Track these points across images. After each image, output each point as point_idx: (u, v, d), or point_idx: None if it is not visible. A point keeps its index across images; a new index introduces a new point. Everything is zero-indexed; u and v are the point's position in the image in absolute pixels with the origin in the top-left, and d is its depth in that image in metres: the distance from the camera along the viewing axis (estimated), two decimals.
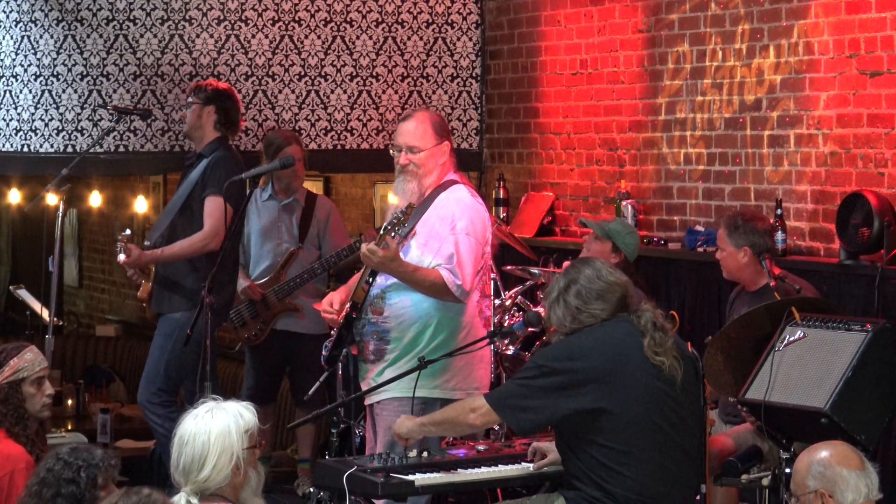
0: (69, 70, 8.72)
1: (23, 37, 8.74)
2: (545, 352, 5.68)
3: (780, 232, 7.55)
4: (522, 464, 5.81)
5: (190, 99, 8.06)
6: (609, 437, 5.33)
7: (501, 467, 5.79)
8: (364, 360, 6.61)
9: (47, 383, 5.96)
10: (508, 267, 8.25)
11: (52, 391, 6.01)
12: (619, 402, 5.33)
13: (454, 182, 6.62)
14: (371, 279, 6.55)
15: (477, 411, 5.57)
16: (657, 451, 5.37)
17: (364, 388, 6.59)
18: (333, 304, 6.66)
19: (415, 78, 9.46)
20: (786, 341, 5.95)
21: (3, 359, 5.88)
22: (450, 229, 6.46)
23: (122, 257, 7.79)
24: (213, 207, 7.67)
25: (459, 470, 5.74)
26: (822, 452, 4.82)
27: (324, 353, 6.77)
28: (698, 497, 5.64)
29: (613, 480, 5.32)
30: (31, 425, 5.86)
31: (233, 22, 9.00)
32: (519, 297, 7.96)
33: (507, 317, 7.81)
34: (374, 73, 9.35)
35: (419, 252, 6.49)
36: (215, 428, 4.75)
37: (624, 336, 5.44)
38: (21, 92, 8.77)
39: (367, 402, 6.63)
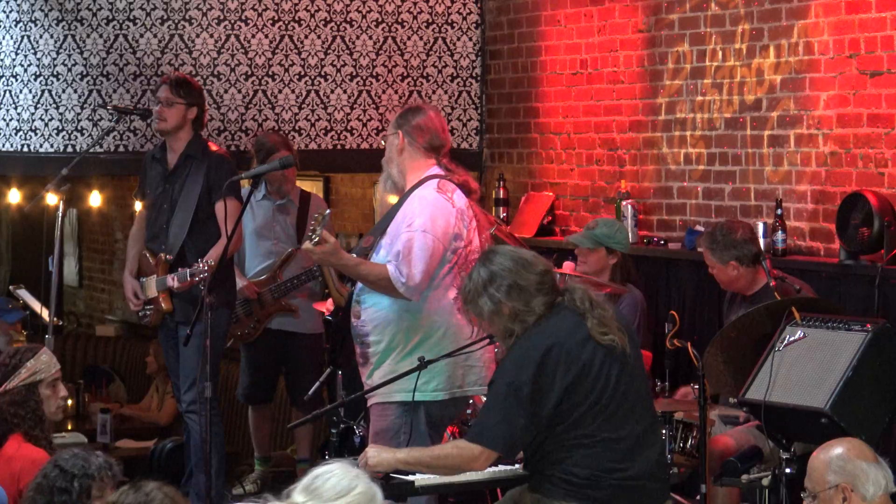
0: (69, 70, 8.72)
1: (23, 37, 8.75)
2: (506, 367, 5.42)
3: (780, 232, 7.55)
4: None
5: (169, 96, 7.96)
6: (571, 425, 5.28)
7: (501, 467, 5.78)
8: (358, 364, 6.60)
9: (61, 385, 5.90)
10: None
11: (66, 393, 5.95)
12: (582, 395, 5.26)
13: (430, 178, 6.52)
14: (352, 282, 6.52)
15: (479, 459, 5.37)
16: (617, 428, 5.30)
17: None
18: None
19: (415, 78, 9.45)
20: (786, 341, 5.95)
21: (19, 361, 5.81)
22: (406, 226, 6.37)
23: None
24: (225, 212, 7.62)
25: None
26: (838, 448, 4.81)
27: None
28: (698, 497, 5.64)
29: (575, 461, 5.28)
30: (48, 428, 5.81)
31: (233, 22, 9.00)
32: None
33: None
34: (374, 73, 9.35)
35: (385, 252, 6.41)
36: (365, 485, 4.48)
37: (570, 328, 5.32)
38: (21, 92, 8.77)
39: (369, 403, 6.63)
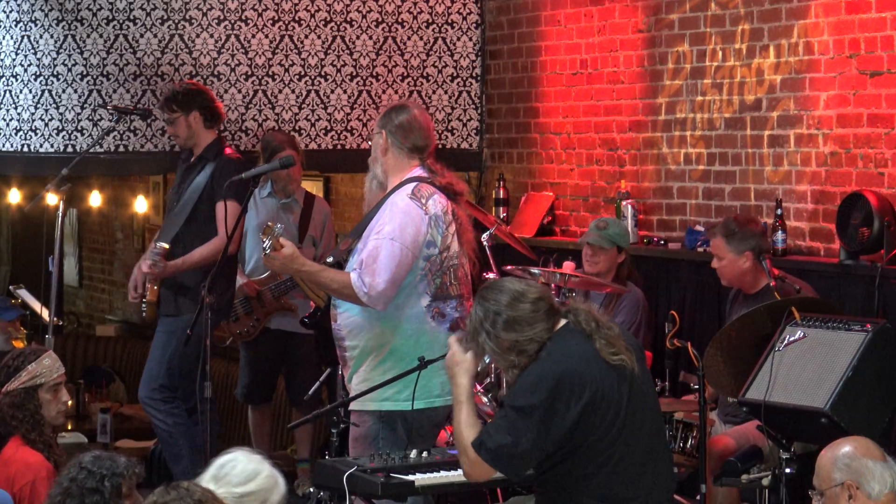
0: (69, 70, 8.72)
1: (23, 37, 8.74)
2: (517, 391, 5.28)
3: (780, 232, 7.55)
4: None
5: (167, 115, 8.15)
6: (587, 451, 5.20)
7: None
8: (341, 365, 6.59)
9: (64, 391, 5.85)
10: (508, 267, 8.24)
11: (68, 399, 5.91)
12: (597, 420, 5.18)
13: (409, 181, 6.38)
14: None
15: (483, 468, 5.25)
16: (630, 451, 5.23)
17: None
18: None
19: (415, 78, 9.45)
20: (786, 341, 5.95)
21: (21, 363, 5.79)
22: (375, 234, 6.25)
23: (145, 267, 7.94)
24: (224, 213, 7.66)
25: (460, 470, 5.72)
26: (846, 446, 4.80)
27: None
28: (698, 497, 5.63)
29: (582, 486, 5.21)
30: (47, 431, 5.77)
31: (233, 22, 8.99)
32: None
33: None
34: (374, 73, 9.35)
35: (357, 257, 6.32)
36: (269, 470, 4.53)
37: (580, 352, 5.22)
38: (21, 92, 8.77)
39: None
